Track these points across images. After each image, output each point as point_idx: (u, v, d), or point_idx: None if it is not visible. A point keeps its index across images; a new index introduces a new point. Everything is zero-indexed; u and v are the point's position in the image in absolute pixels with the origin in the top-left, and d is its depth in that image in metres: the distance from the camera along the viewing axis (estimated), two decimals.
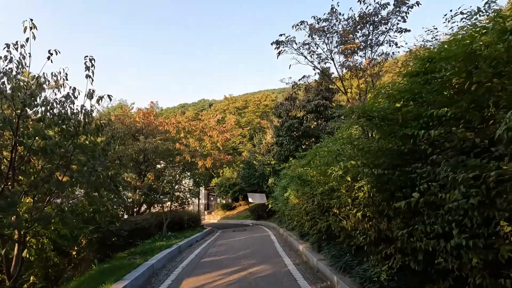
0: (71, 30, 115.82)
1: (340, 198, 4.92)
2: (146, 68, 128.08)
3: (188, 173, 17.32)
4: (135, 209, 16.86)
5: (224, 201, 37.07)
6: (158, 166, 16.54)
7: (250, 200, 26.91)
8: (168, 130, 15.56)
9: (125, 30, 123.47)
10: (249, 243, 10.50)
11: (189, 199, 20.44)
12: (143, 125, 15.85)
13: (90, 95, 6.80)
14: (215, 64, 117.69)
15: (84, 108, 7.06)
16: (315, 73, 12.35)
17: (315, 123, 14.47)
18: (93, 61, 7.18)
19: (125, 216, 15.87)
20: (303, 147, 12.09)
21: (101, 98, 7.33)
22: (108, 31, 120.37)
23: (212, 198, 41.91)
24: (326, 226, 6.21)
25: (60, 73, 6.24)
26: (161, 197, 12.66)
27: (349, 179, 4.06)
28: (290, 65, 10.62)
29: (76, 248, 7.65)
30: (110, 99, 7.41)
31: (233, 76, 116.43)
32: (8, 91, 5.15)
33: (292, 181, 8.96)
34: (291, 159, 14.09)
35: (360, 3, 11.04)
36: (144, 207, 16.39)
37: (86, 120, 6.28)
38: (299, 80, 11.59)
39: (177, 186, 16.75)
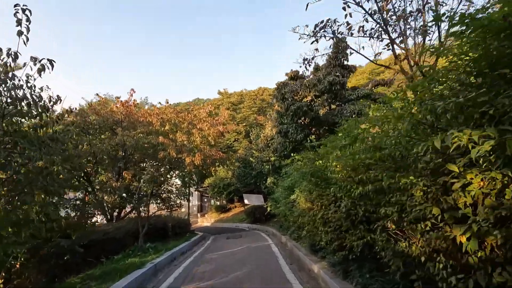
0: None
1: (403, 204, 2.92)
2: (146, 68, 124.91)
3: (177, 172, 15.21)
4: (114, 213, 14.72)
5: (218, 203, 34.94)
6: (144, 164, 14.41)
7: (246, 201, 24.86)
8: (151, 122, 13.44)
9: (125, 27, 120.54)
10: (245, 257, 8.45)
11: (178, 202, 18.33)
12: (122, 116, 13.71)
13: (13, 55, 4.76)
14: (215, 64, 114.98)
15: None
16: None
17: (327, 107, 12.24)
18: (28, 13, 5.15)
19: (104, 222, 13.74)
20: (312, 137, 9.86)
21: (42, 67, 5.36)
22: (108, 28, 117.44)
23: (205, 200, 39.73)
24: (362, 244, 4.21)
25: None
26: (139, 199, 10.55)
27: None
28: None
29: (3, 273, 5.50)
30: (52, 66, 5.44)
31: (233, 76, 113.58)
32: None
33: (304, 178, 6.96)
34: (294, 154, 12.10)
35: None
36: (127, 209, 14.25)
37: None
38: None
39: (163, 186, 14.64)
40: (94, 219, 13.62)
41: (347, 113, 10.11)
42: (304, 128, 12.65)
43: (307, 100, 12.60)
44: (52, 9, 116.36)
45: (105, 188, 12.56)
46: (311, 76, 12.44)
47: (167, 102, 14.52)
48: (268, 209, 15.62)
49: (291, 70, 13.89)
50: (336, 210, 4.91)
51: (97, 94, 13.73)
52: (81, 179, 13.48)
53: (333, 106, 12.30)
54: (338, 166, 4.59)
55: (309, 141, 8.90)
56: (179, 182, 16.88)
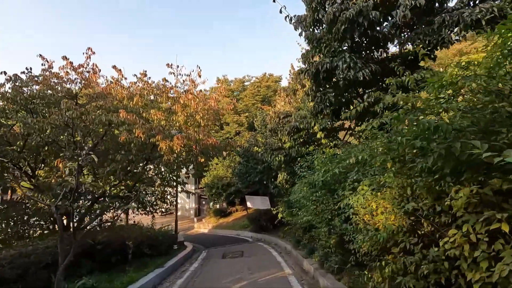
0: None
1: None
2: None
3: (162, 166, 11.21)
4: (72, 223, 10.80)
5: (217, 206, 30.91)
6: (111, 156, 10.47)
7: (248, 204, 20.83)
8: (112, 94, 9.54)
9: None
10: None
11: (160, 206, 14.35)
12: (77, 87, 9.81)
13: None
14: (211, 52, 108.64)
15: None
16: None
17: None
18: None
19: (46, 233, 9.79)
20: (390, 81, 4.57)
21: None
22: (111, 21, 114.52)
23: (204, 202, 35.68)
24: None
25: None
26: (68, 200, 6.54)
27: None
28: None
29: None
30: None
31: (233, 65, 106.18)
32: None
33: (391, 162, 2.93)
34: (323, 139, 7.92)
35: None
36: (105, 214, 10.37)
37: None
38: None
39: (138, 185, 10.66)
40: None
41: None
42: (368, 61, 6.56)
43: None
44: None
45: (43, 187, 8.71)
46: None
47: (144, 74, 10.50)
48: (279, 215, 11.61)
49: None
50: None
51: (40, 55, 9.84)
52: (17, 172, 9.66)
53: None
54: None
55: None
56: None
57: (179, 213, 41.17)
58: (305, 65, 5.51)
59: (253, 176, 14.25)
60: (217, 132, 26.00)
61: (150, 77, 10.21)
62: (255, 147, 12.45)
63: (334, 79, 6.25)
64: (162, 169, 9.63)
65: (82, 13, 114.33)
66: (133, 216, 14.67)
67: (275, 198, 17.96)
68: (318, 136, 8.00)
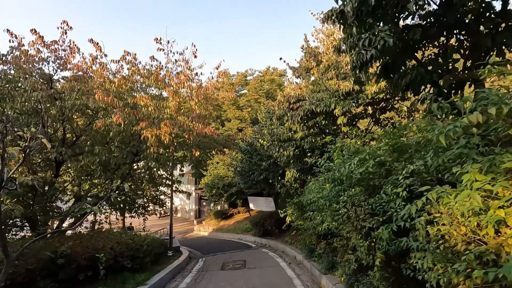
0: None
1: None
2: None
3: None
4: (52, 224, 9.36)
5: (218, 207, 29.37)
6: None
7: (251, 206, 19.31)
8: (91, 75, 8.07)
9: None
10: None
11: (152, 207, 12.87)
12: (48, 64, 8.35)
13: None
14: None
15: None
16: None
17: None
18: None
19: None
20: None
21: None
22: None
23: (204, 204, 34.14)
24: None
25: None
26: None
27: None
28: None
29: None
30: None
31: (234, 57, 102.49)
32: None
33: None
34: (344, 126, 6.32)
35: None
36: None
37: None
38: None
39: (125, 183, 9.17)
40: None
41: None
42: None
43: None
44: None
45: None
46: None
47: (127, 53, 8.95)
48: (287, 219, 10.05)
49: None
50: None
51: (8, 31, 8.38)
52: None
53: None
54: None
55: None
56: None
57: (178, 215, 39.83)
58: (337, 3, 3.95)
59: (257, 174, 12.69)
60: (218, 130, 24.47)
61: (136, 56, 8.65)
62: (260, 140, 10.90)
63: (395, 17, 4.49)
64: (152, 165, 8.11)
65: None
66: (133, 219, 13.25)
67: (279, 199, 16.41)
68: (338, 121, 6.48)
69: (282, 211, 10.02)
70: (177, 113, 7.49)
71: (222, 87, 10.82)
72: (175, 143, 8.03)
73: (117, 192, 8.13)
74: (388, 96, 6.61)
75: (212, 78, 9.91)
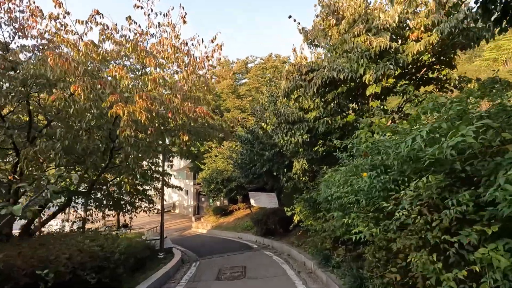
0: None
1: None
2: None
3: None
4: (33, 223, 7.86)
5: (217, 203, 27.91)
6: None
7: (252, 202, 17.84)
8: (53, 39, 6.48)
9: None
10: None
11: (139, 204, 11.37)
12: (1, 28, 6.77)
13: None
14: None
15: None
16: None
17: None
18: None
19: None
20: None
21: None
22: None
23: (203, 199, 32.69)
24: None
25: None
26: None
27: None
28: None
29: None
30: None
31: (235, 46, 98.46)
32: None
33: None
34: (373, 101, 4.75)
35: None
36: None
37: None
38: None
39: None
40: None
41: None
42: None
43: None
44: None
45: None
46: None
47: (97, 12, 7.21)
48: (295, 218, 8.55)
49: None
50: None
51: None
52: None
53: None
54: None
55: None
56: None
57: (177, 211, 38.36)
58: None
59: (259, 166, 11.09)
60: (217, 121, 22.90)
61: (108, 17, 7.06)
62: (263, 124, 9.30)
63: None
64: (129, 152, 6.54)
65: None
66: (134, 216, 11.76)
67: (283, 195, 14.86)
68: (368, 91, 4.85)
69: (288, 209, 8.49)
70: (157, 84, 5.91)
71: (219, 65, 9.18)
72: (157, 124, 6.48)
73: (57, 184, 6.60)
74: (434, 59, 5.02)
75: (207, 53, 8.29)
